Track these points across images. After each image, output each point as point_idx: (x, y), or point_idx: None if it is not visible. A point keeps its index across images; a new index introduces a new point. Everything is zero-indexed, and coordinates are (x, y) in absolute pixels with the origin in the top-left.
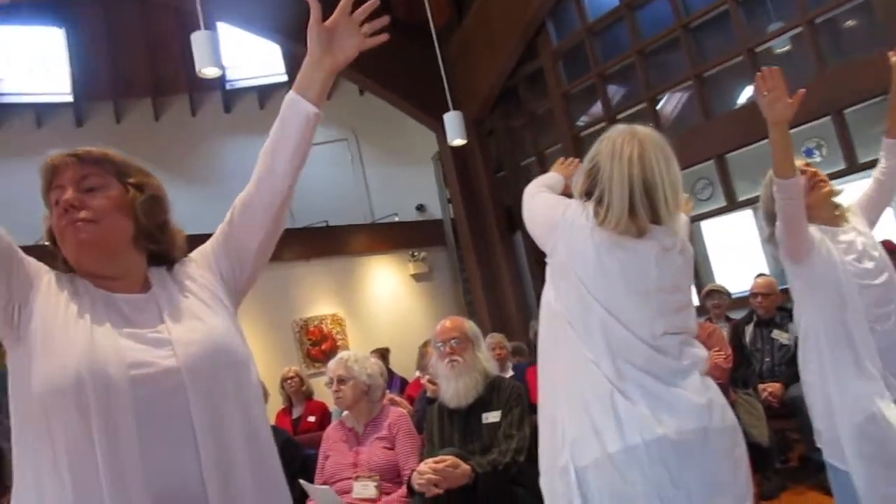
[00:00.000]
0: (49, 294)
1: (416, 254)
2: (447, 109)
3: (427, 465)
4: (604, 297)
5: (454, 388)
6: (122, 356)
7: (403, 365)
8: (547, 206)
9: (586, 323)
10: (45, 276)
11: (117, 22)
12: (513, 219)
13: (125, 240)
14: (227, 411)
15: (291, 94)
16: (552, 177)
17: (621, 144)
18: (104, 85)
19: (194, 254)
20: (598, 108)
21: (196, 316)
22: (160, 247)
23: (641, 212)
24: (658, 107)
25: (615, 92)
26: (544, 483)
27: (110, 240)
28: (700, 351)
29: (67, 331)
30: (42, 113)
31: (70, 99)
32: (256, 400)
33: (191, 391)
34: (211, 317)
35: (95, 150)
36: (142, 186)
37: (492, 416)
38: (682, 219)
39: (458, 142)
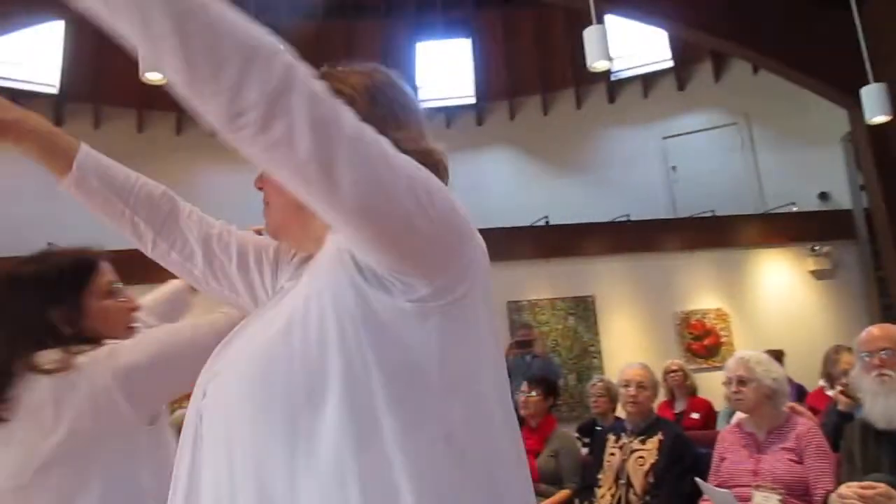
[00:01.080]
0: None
1: (816, 248)
2: (864, 83)
3: (851, 490)
4: None
5: (883, 407)
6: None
7: (797, 370)
8: None
9: None
10: None
11: (513, 27)
12: None
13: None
14: (238, 468)
15: None
16: None
17: None
18: (501, 86)
19: None
20: None
21: (283, 300)
22: None
23: None
24: None
25: None
26: None
27: (291, 221)
28: None
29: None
30: (450, 115)
31: (473, 101)
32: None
33: (202, 431)
34: (299, 295)
35: None
36: None
37: None
38: None
39: (881, 119)
